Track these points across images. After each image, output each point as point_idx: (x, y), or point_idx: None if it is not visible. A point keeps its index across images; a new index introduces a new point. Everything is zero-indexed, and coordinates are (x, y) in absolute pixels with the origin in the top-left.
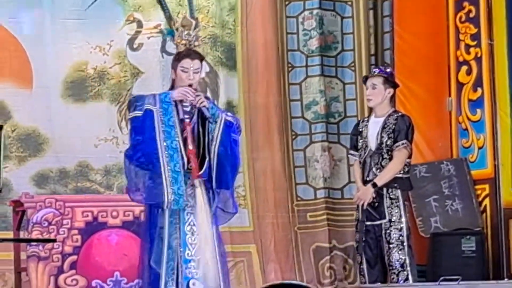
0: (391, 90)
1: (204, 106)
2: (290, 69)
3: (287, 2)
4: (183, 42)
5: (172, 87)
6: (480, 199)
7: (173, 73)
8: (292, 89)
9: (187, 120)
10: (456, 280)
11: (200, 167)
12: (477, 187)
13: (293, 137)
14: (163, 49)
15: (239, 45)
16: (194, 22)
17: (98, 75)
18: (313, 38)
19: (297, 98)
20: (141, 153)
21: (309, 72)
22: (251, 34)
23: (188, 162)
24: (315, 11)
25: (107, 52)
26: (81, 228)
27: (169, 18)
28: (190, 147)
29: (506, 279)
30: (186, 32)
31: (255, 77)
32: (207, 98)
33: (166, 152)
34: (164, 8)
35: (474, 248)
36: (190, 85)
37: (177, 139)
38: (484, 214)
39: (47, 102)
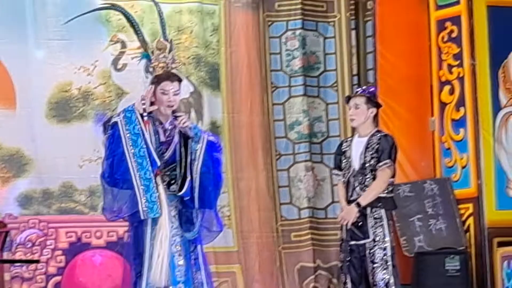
0: (374, 110)
1: (186, 126)
2: (273, 89)
3: (269, 23)
4: (161, 65)
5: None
6: (463, 218)
7: (153, 95)
8: (275, 109)
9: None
10: None
11: (182, 187)
12: (460, 206)
13: (277, 157)
14: (147, 69)
15: (223, 65)
16: (168, 45)
17: (83, 96)
18: (296, 58)
19: (280, 118)
20: (114, 169)
21: (292, 92)
22: (235, 54)
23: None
24: (297, 31)
25: (92, 73)
26: (65, 248)
27: (143, 41)
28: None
29: None
30: (162, 54)
31: (239, 97)
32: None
33: (134, 161)
34: (137, 31)
35: (458, 267)
36: (170, 106)
37: (144, 146)
38: (468, 234)
39: (31, 122)
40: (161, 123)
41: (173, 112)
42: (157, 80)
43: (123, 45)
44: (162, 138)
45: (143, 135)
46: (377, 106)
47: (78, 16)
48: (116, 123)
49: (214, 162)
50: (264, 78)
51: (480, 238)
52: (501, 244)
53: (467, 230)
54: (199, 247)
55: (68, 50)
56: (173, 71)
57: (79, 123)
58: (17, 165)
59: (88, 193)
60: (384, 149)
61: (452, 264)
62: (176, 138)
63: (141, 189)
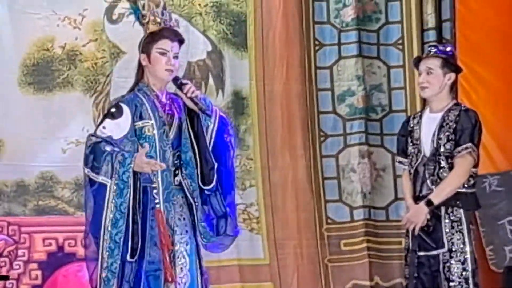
0: (452, 76)
1: (196, 96)
2: (317, 48)
3: None
4: (158, 20)
5: (140, 79)
6: None
7: (144, 59)
8: (320, 75)
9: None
10: None
11: (205, 179)
12: None
13: (322, 139)
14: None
15: (251, 16)
16: (162, 1)
17: (68, 56)
18: (348, 7)
19: (327, 87)
20: (91, 233)
21: (343, 52)
22: (267, 1)
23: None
24: None
25: (79, 25)
26: (42, 261)
27: None
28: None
29: None
30: (156, 9)
31: (272, 59)
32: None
33: (107, 243)
34: None
35: None
36: (170, 71)
37: (123, 231)
38: None
39: (0, 92)
40: (156, 96)
41: (175, 80)
42: (152, 38)
43: None
44: (163, 115)
45: (127, 218)
46: (457, 71)
47: None
48: (104, 186)
49: (226, 145)
50: (305, 33)
51: None
52: None
53: None
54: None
55: None
56: (174, 28)
57: (64, 92)
58: None
59: (73, 187)
60: (465, 129)
61: None
62: (181, 114)
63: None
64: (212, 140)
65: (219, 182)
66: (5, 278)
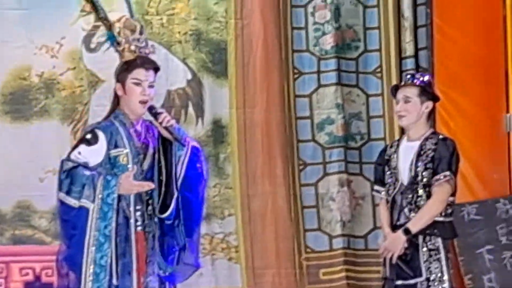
0: (430, 104)
1: (171, 126)
2: (296, 76)
3: None
4: (132, 48)
5: (116, 106)
6: None
7: (119, 88)
8: (299, 103)
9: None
10: None
11: (165, 207)
12: None
13: (301, 167)
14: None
15: (232, 44)
16: (139, 26)
17: (45, 85)
18: (327, 35)
19: (306, 115)
20: (67, 261)
21: (322, 80)
22: (247, 29)
23: None
24: None
25: (57, 54)
26: None
27: (104, 19)
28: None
29: None
30: (132, 36)
31: (252, 87)
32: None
33: (92, 268)
34: (97, 7)
35: None
36: (144, 102)
37: (109, 254)
38: None
39: None
40: (131, 124)
41: (150, 109)
42: (126, 68)
43: (99, 19)
44: (137, 144)
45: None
46: (434, 99)
47: None
48: (87, 210)
49: (198, 175)
50: (284, 61)
51: None
52: None
53: None
54: None
55: (26, 23)
56: (149, 56)
57: (41, 121)
58: None
59: (51, 216)
60: (443, 158)
61: None
62: (153, 144)
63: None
64: (184, 169)
65: (188, 212)
66: None
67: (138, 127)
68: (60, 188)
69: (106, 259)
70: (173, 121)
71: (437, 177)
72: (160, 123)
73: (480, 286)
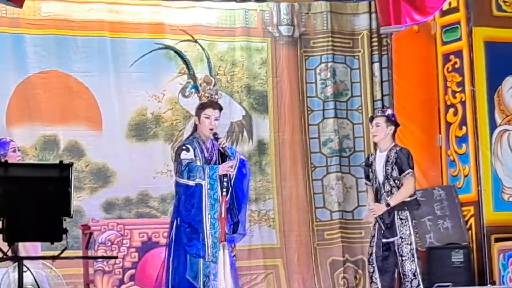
0: (392, 128)
1: (225, 147)
2: (309, 112)
3: (306, 57)
4: (206, 94)
5: (195, 131)
6: (466, 218)
7: (197, 119)
8: (311, 129)
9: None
10: (447, 286)
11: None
12: (464, 208)
13: (313, 168)
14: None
15: (270, 93)
16: (213, 80)
17: (155, 119)
18: (328, 86)
19: (315, 137)
20: (190, 219)
21: (325, 115)
22: (279, 84)
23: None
24: (329, 64)
25: (161, 100)
26: (138, 246)
27: (193, 75)
28: (223, 215)
29: (489, 285)
30: (208, 87)
31: (282, 119)
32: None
33: (209, 223)
34: (188, 67)
35: (462, 260)
36: (211, 130)
37: (218, 211)
38: (470, 231)
39: (114, 141)
40: (203, 142)
41: (214, 134)
42: (201, 107)
43: (189, 76)
44: (206, 154)
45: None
46: (395, 125)
47: (144, 55)
48: (201, 185)
49: (243, 175)
50: (302, 103)
51: (480, 235)
52: (497, 240)
53: (469, 228)
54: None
55: (143, 81)
56: (216, 100)
57: (153, 142)
58: (103, 177)
59: (160, 200)
60: (403, 161)
61: (457, 257)
62: (215, 156)
63: (210, 245)
64: (234, 173)
65: (237, 199)
66: (115, 257)
67: (208, 145)
68: (181, 176)
69: (217, 214)
70: (226, 144)
71: (404, 173)
72: (219, 144)
73: (424, 241)
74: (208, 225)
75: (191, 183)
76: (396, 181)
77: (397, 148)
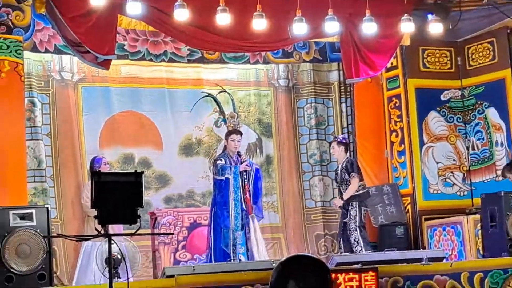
0: (343, 147)
1: (245, 161)
2: (300, 136)
3: (297, 99)
4: (231, 125)
5: (225, 149)
6: (405, 205)
7: (226, 142)
8: (301, 147)
9: (246, 183)
10: (393, 250)
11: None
12: (403, 198)
13: (303, 173)
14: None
15: (273, 124)
16: (236, 115)
17: (197, 142)
18: (312, 119)
19: (304, 152)
20: (222, 201)
21: (311, 138)
22: (279, 117)
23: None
24: (312, 104)
25: (202, 129)
26: (187, 226)
27: (222, 112)
28: (247, 195)
29: (421, 249)
30: (232, 120)
31: (282, 141)
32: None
33: (233, 202)
34: (220, 107)
35: (403, 233)
36: (235, 147)
37: (239, 192)
38: (408, 214)
39: (170, 157)
40: (231, 156)
41: (238, 152)
42: (228, 133)
43: (220, 113)
44: (233, 164)
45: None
46: (344, 144)
47: (193, 106)
48: (228, 178)
49: (258, 178)
50: (295, 130)
51: (415, 216)
52: (426, 219)
53: (407, 212)
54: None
55: (189, 117)
56: (239, 129)
57: (196, 157)
58: (164, 180)
59: (201, 195)
60: (348, 168)
61: (399, 231)
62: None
63: (233, 218)
64: (252, 177)
65: (255, 194)
66: (172, 234)
67: (234, 158)
68: (218, 174)
69: (240, 197)
70: (246, 158)
71: (351, 175)
72: (241, 158)
73: (377, 221)
74: (232, 203)
75: (223, 178)
76: (347, 182)
77: (346, 160)
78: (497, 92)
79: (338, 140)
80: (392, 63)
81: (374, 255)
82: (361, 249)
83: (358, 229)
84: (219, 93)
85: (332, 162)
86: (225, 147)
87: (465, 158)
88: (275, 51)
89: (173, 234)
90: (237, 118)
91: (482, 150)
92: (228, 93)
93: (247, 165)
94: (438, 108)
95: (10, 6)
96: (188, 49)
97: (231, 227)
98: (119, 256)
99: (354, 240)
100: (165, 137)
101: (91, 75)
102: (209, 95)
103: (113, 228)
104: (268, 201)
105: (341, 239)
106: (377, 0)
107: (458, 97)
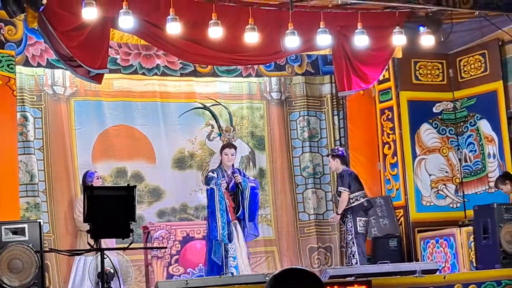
0: (338, 159)
1: (239, 182)
2: (293, 149)
3: (290, 112)
4: (226, 139)
5: (220, 164)
6: (398, 217)
7: (220, 156)
8: (294, 160)
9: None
10: (386, 263)
11: (237, 212)
12: (396, 211)
13: (296, 186)
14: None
15: (266, 137)
16: (232, 128)
17: (190, 155)
18: (305, 132)
19: (297, 165)
20: (209, 209)
21: (304, 150)
22: (272, 130)
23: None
24: (305, 117)
25: (194, 142)
26: (180, 240)
27: (218, 126)
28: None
29: (414, 261)
30: (227, 133)
31: (275, 154)
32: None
33: (219, 212)
34: (216, 120)
35: (396, 245)
36: (230, 161)
37: (224, 202)
38: (401, 226)
39: (163, 170)
40: (225, 171)
41: (233, 172)
42: (223, 147)
43: (213, 126)
44: (227, 179)
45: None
46: (339, 156)
47: (183, 113)
48: (213, 189)
49: (255, 194)
50: (288, 143)
51: (408, 229)
52: (419, 231)
53: (400, 224)
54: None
55: (182, 130)
56: (233, 143)
57: (189, 170)
58: (157, 194)
59: (194, 209)
60: (338, 181)
61: (393, 244)
62: (233, 182)
63: (220, 227)
64: (249, 192)
65: (251, 209)
66: (165, 248)
67: (229, 173)
68: (206, 185)
69: (225, 206)
70: (240, 179)
71: (340, 189)
72: (235, 178)
73: (371, 233)
74: (219, 214)
75: (210, 187)
76: (340, 194)
77: (340, 172)
78: (489, 104)
79: (333, 153)
80: (384, 76)
81: (368, 267)
82: (356, 263)
83: (354, 242)
84: (211, 106)
85: (325, 175)
86: (221, 161)
87: (457, 170)
88: (268, 64)
89: (166, 248)
90: (233, 131)
91: (475, 162)
92: (225, 107)
93: (239, 183)
94: (431, 120)
95: (2, 20)
96: (180, 63)
97: (218, 237)
98: (112, 271)
99: (351, 254)
100: (158, 151)
101: (83, 89)
102: (205, 107)
103: (105, 243)
104: (262, 214)
105: (345, 251)
106: (369, 13)
107: (450, 109)
